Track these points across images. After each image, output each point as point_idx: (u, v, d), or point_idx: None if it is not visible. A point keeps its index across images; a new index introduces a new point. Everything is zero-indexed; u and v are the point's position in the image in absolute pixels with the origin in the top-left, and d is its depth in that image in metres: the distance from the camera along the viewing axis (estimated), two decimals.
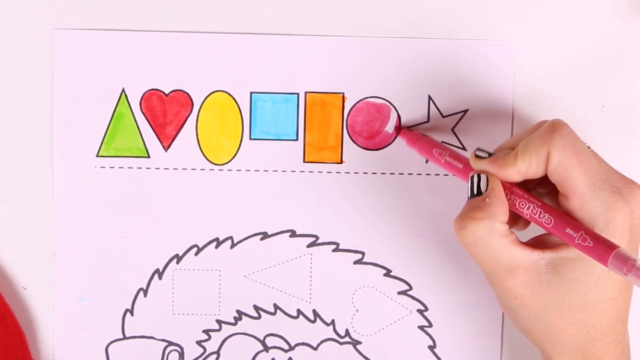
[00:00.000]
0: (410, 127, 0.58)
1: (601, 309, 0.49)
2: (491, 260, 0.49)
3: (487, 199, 0.49)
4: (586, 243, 0.47)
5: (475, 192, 0.50)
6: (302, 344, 0.59)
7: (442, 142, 0.58)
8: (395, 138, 0.58)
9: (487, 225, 0.49)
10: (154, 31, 0.57)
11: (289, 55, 0.57)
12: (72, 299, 0.59)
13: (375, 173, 0.58)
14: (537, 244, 0.51)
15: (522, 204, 0.50)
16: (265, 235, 0.59)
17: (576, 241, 0.47)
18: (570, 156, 0.48)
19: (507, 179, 0.50)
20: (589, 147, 0.51)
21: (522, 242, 0.50)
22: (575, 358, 0.50)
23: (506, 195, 0.50)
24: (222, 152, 0.58)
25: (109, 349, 0.59)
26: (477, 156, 0.51)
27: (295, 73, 0.58)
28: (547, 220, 0.49)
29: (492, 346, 0.59)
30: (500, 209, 0.49)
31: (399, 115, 0.58)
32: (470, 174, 0.51)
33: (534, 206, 0.50)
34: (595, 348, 0.50)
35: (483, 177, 0.51)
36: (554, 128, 0.49)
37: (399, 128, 0.58)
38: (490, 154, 0.51)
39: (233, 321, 0.59)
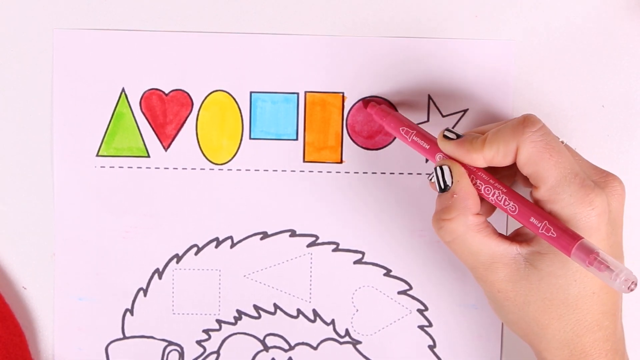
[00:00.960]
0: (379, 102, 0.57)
1: (584, 304, 0.49)
2: (470, 256, 0.50)
3: (454, 195, 0.50)
4: (550, 233, 0.47)
5: (442, 186, 0.50)
6: (302, 343, 0.59)
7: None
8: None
9: (460, 222, 0.49)
10: (154, 31, 0.57)
11: (289, 54, 0.57)
12: (72, 299, 0.59)
13: (375, 173, 0.58)
14: (518, 236, 0.51)
15: (488, 190, 0.50)
16: (265, 235, 0.59)
17: (540, 231, 0.48)
18: (540, 150, 0.48)
19: (472, 163, 0.50)
20: (564, 142, 0.50)
21: (500, 235, 0.50)
22: (562, 354, 0.50)
23: (472, 180, 0.50)
24: (222, 152, 0.58)
25: (109, 348, 0.59)
26: (444, 137, 0.52)
27: (295, 73, 0.58)
28: (512, 207, 0.49)
29: (492, 346, 0.59)
30: (469, 202, 0.50)
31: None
32: (435, 167, 0.51)
33: (499, 192, 0.50)
34: (582, 344, 0.49)
35: (446, 170, 0.51)
36: (526, 123, 0.49)
37: (367, 101, 0.57)
38: (458, 136, 0.51)
39: (233, 321, 0.59)
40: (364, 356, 0.59)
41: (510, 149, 0.49)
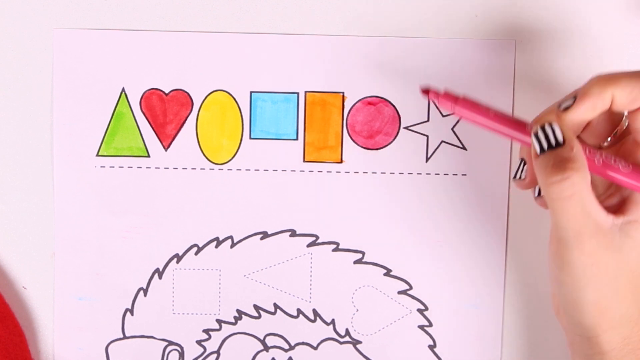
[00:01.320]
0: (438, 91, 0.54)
1: None
2: (580, 218, 0.47)
3: (574, 148, 0.47)
4: None
5: (553, 144, 0.48)
6: (302, 343, 0.59)
7: (442, 141, 0.58)
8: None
9: (584, 175, 0.46)
10: (154, 31, 0.57)
11: (289, 54, 0.57)
12: (72, 299, 0.59)
13: (375, 172, 0.58)
14: (608, 209, 0.49)
15: (592, 153, 0.48)
16: (265, 235, 0.59)
17: None
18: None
19: (596, 110, 0.48)
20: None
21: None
22: (622, 332, 0.48)
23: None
24: (222, 152, 0.58)
25: (109, 348, 0.59)
26: (565, 108, 0.49)
27: (295, 72, 0.58)
28: (624, 166, 0.48)
29: (492, 346, 0.59)
30: (584, 158, 0.48)
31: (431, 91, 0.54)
32: (536, 126, 0.48)
33: (606, 154, 0.48)
34: None
35: (556, 126, 0.48)
36: (612, 74, 0.48)
37: (427, 90, 0.53)
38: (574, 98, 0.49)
39: (233, 321, 0.59)
40: (364, 356, 0.59)
41: (606, 96, 0.47)
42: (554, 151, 0.47)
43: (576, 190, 0.46)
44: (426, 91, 0.53)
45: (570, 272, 0.48)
